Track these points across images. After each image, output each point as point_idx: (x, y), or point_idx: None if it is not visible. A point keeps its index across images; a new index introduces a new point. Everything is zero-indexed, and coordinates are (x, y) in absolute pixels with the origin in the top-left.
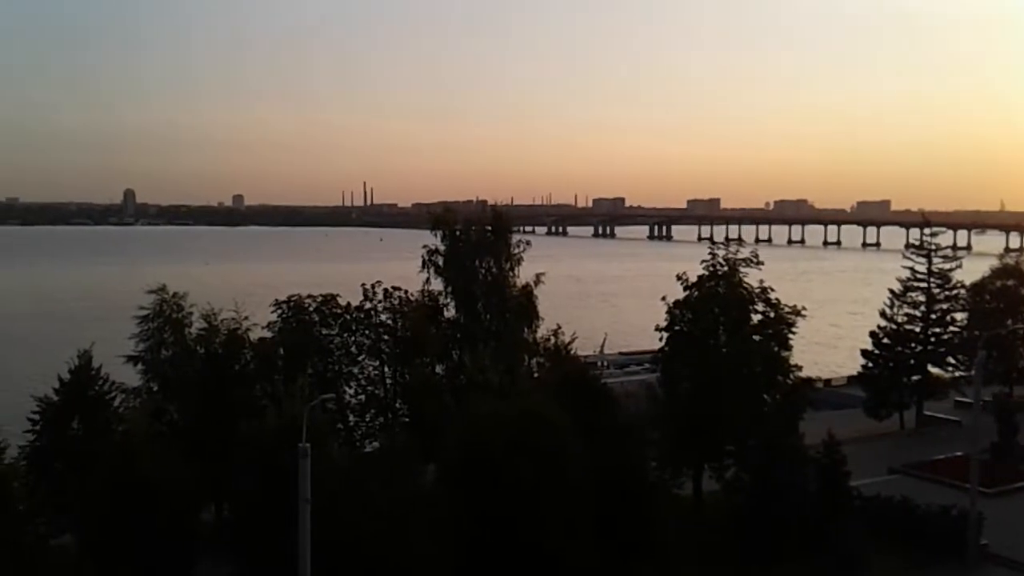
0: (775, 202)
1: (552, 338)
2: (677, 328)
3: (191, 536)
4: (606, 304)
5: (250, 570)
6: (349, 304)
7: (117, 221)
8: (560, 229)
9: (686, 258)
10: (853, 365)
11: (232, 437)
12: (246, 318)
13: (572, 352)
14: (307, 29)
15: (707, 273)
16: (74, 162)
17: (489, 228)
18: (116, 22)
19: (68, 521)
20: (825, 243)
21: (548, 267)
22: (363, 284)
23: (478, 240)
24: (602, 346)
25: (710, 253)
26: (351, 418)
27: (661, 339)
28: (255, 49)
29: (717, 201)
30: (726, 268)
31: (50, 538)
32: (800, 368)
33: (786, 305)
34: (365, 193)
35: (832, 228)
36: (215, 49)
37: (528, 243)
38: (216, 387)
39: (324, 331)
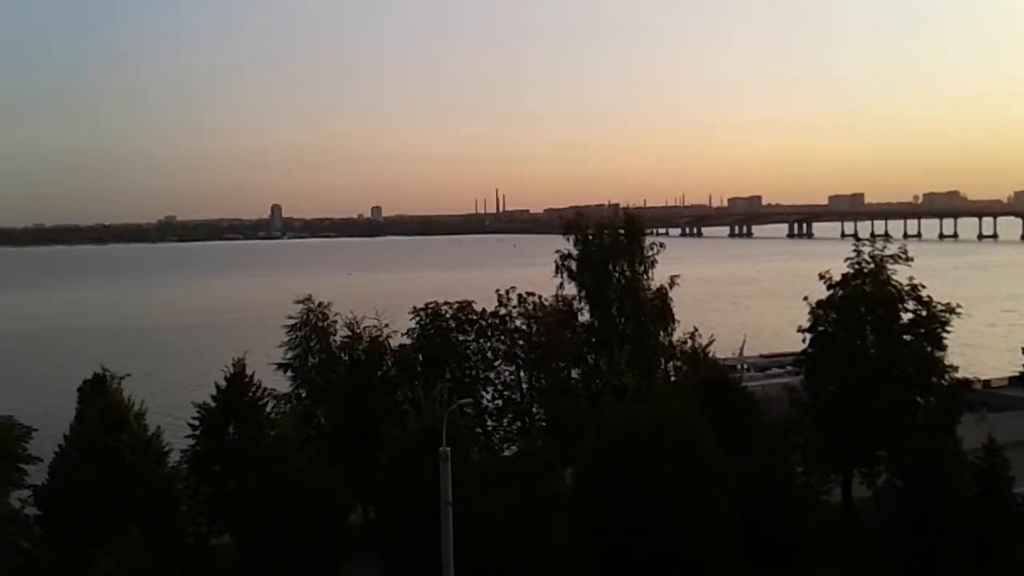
0: (924, 195)
1: (689, 341)
2: (821, 329)
3: (340, 537)
4: (738, 306)
5: (396, 572)
6: (484, 310)
7: (265, 235)
8: (694, 230)
9: (828, 256)
10: (1014, 365)
11: (375, 441)
12: (387, 325)
13: (710, 355)
14: (437, 42)
15: (852, 271)
16: (226, 180)
17: (622, 231)
18: (261, 47)
19: (227, 522)
20: (980, 236)
21: (680, 269)
22: (497, 290)
23: (611, 243)
24: (741, 348)
25: (855, 250)
26: (489, 423)
27: (804, 340)
28: (390, 64)
29: (861, 196)
30: (872, 265)
31: (211, 538)
32: (956, 368)
33: (939, 303)
34: (498, 200)
35: (987, 220)
36: (353, 66)
37: (662, 245)
38: (360, 393)
39: (461, 337)
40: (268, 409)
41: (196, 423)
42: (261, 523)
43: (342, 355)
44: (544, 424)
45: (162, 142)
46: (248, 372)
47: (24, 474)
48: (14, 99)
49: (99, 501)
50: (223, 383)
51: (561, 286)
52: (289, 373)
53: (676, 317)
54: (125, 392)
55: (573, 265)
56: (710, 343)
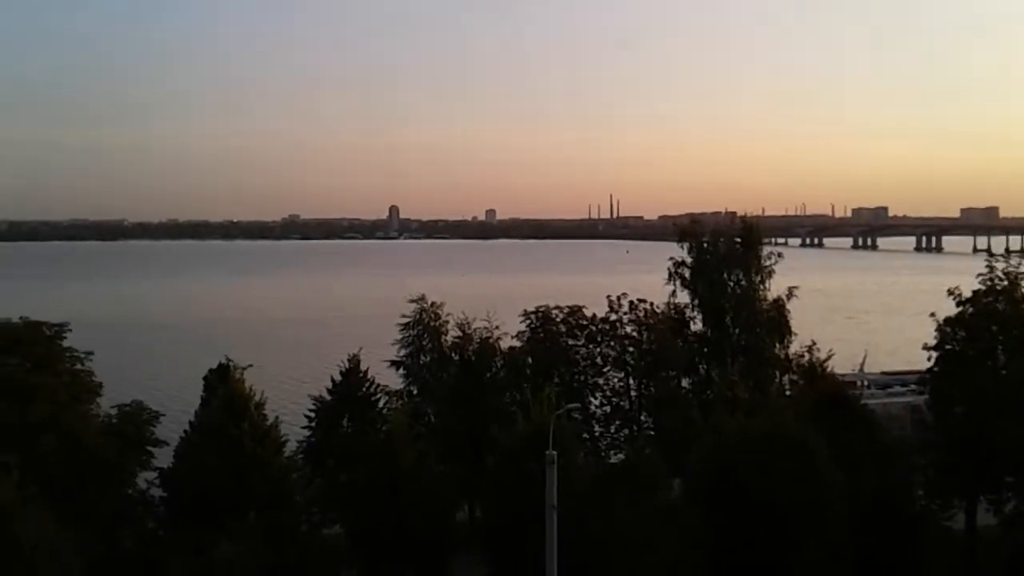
0: None
1: (806, 354)
2: (949, 347)
3: (447, 533)
4: (858, 320)
5: (502, 572)
6: (595, 315)
7: (383, 235)
8: (815, 240)
9: (957, 272)
10: None
11: (483, 442)
12: (497, 327)
13: (828, 370)
14: (550, 45)
15: (983, 288)
16: (347, 181)
17: (738, 239)
18: (380, 50)
19: (339, 512)
20: None
21: (799, 280)
22: (608, 296)
23: (726, 252)
24: (862, 364)
25: (987, 266)
26: (596, 429)
27: (929, 358)
28: (507, 67)
29: (995, 209)
30: (1006, 282)
31: (323, 528)
32: None
33: None
34: (612, 205)
35: None
36: (470, 68)
37: (780, 255)
38: (469, 393)
39: (570, 342)
40: (380, 405)
41: (312, 415)
42: (371, 516)
43: (453, 355)
44: (652, 433)
45: (288, 142)
46: (362, 368)
47: (151, 457)
48: (152, 99)
49: (220, 486)
50: (339, 377)
51: (674, 294)
52: (401, 370)
53: (793, 330)
54: (247, 382)
55: (687, 273)
56: (828, 358)
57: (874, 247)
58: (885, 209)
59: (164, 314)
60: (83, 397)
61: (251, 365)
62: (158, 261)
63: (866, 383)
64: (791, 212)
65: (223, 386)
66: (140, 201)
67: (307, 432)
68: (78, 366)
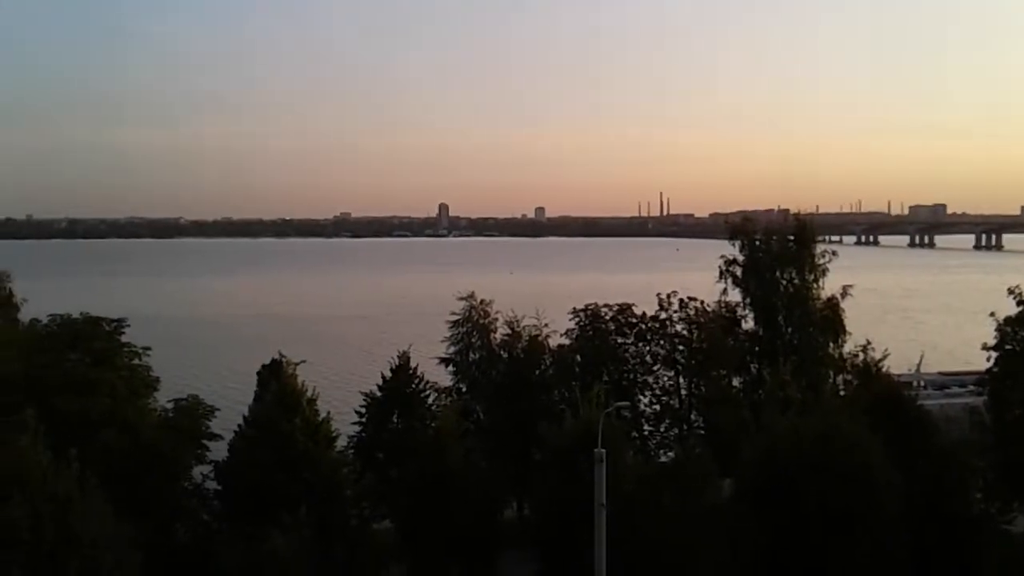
0: None
1: (861, 354)
2: (1009, 347)
3: (495, 530)
4: (914, 319)
5: (550, 569)
6: (644, 313)
7: (432, 233)
8: (870, 238)
9: (1018, 270)
10: None
11: (532, 439)
12: (546, 325)
13: (884, 370)
14: (598, 44)
15: None
16: (397, 180)
17: (791, 237)
18: (430, 49)
19: (388, 507)
20: None
21: (853, 279)
22: (658, 294)
23: (779, 250)
24: (919, 364)
25: None
26: (645, 427)
27: (988, 359)
28: (555, 66)
29: None
30: None
31: (372, 522)
32: None
33: None
34: (661, 203)
35: None
36: (518, 67)
37: (834, 253)
38: (518, 390)
39: (620, 340)
40: (430, 401)
41: (362, 411)
42: (420, 511)
43: (502, 352)
44: (702, 432)
45: (340, 142)
46: (412, 364)
47: (206, 450)
48: (207, 100)
49: (272, 480)
50: (388, 374)
51: (725, 292)
52: (450, 367)
53: (848, 329)
54: (299, 378)
55: (738, 271)
56: (884, 357)
57: (932, 245)
58: (943, 206)
59: (218, 310)
60: (141, 391)
61: (303, 361)
62: (213, 258)
63: (923, 383)
64: (846, 209)
65: (276, 381)
66: (196, 200)
67: (358, 428)
68: (136, 361)
